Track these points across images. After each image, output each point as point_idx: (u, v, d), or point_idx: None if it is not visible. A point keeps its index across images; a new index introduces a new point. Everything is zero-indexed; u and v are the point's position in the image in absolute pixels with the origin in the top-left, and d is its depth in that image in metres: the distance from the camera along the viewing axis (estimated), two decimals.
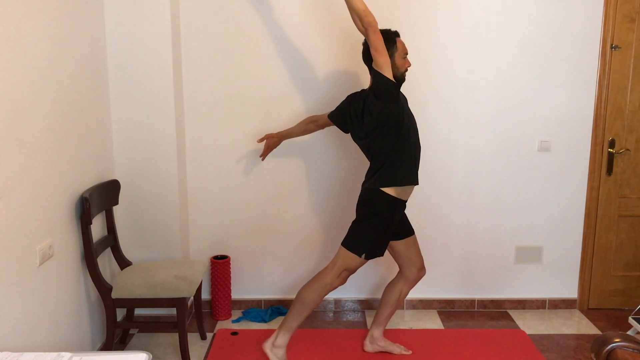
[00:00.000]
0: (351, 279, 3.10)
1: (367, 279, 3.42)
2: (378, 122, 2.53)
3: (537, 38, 3.19)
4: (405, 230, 2.76)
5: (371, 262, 3.37)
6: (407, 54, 2.62)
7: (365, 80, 3.20)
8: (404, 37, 3.12)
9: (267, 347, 2.69)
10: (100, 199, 2.70)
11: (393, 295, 2.82)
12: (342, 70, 3.21)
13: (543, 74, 3.23)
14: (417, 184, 2.63)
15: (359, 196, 2.65)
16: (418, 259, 2.80)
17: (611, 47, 3.19)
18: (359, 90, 2.79)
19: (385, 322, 2.89)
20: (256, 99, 3.23)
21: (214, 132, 3.25)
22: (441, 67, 3.21)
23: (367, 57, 2.59)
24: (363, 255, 2.59)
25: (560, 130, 3.29)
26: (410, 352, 2.89)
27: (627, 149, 3.31)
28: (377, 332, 2.90)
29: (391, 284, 2.85)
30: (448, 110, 3.26)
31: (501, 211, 3.38)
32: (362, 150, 2.73)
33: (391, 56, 2.52)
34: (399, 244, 2.76)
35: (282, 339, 2.67)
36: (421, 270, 2.81)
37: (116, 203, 2.93)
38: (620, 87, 3.25)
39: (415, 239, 2.81)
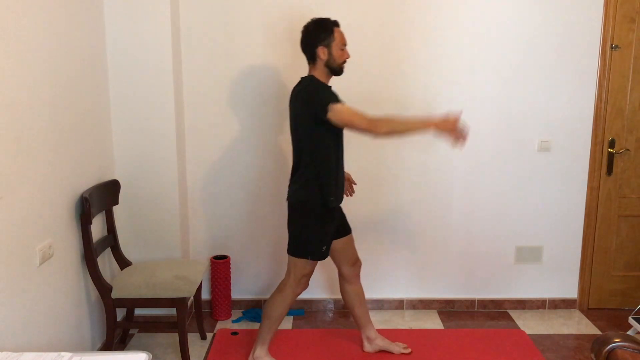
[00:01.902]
0: None
1: (368, 279, 3.42)
2: (298, 123, 2.49)
3: (537, 38, 3.19)
4: (344, 229, 2.74)
5: (372, 261, 3.38)
6: (345, 44, 2.52)
7: (370, 77, 3.20)
8: (403, 39, 3.13)
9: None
10: (100, 199, 2.70)
11: (351, 297, 2.81)
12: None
13: (543, 74, 3.23)
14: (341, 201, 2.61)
15: (289, 201, 2.57)
16: (352, 255, 2.79)
17: (611, 47, 3.19)
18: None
19: (368, 320, 2.87)
20: (256, 98, 3.23)
21: (213, 132, 3.25)
22: (442, 68, 3.21)
23: (305, 45, 2.51)
24: (308, 257, 2.55)
25: (560, 130, 3.29)
26: (409, 350, 2.89)
27: (627, 149, 3.31)
28: (370, 333, 2.88)
29: (342, 291, 2.83)
30: (448, 110, 3.25)
31: (501, 211, 3.38)
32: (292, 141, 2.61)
33: (327, 46, 2.46)
34: (337, 243, 2.71)
35: (260, 350, 2.70)
36: (355, 265, 2.80)
37: (116, 203, 2.93)
38: (620, 87, 3.24)
39: (352, 237, 2.79)
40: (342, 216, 2.73)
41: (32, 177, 2.14)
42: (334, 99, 2.42)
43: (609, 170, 3.33)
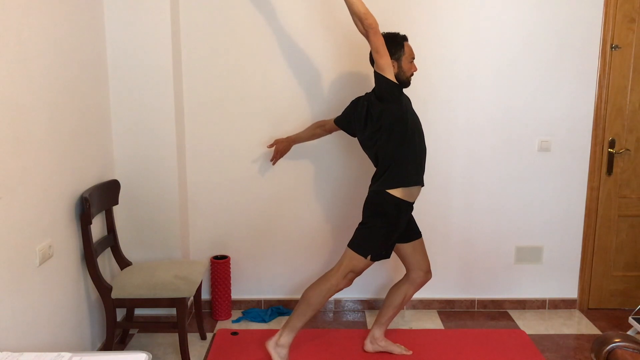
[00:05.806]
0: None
1: (368, 279, 3.42)
2: (381, 124, 2.54)
3: (537, 38, 3.19)
4: (412, 232, 2.76)
5: (375, 263, 3.37)
6: (414, 58, 2.63)
7: (371, 81, 3.20)
8: None
9: (271, 345, 2.69)
10: (100, 199, 2.70)
11: (397, 297, 2.82)
12: (340, 68, 3.20)
13: (543, 74, 3.23)
14: (423, 185, 2.64)
15: (366, 198, 2.65)
16: (425, 262, 2.80)
17: (611, 47, 3.19)
18: (364, 93, 2.78)
19: (387, 323, 2.89)
20: (256, 98, 3.23)
21: (213, 132, 3.25)
22: (441, 67, 3.21)
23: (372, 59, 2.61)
24: (369, 257, 2.59)
25: (560, 130, 3.29)
26: (410, 352, 2.89)
27: (627, 149, 3.31)
28: (378, 332, 2.90)
29: (397, 286, 2.85)
30: (448, 110, 3.26)
31: (501, 211, 3.38)
32: (369, 155, 2.74)
33: (398, 59, 2.55)
34: (406, 247, 2.76)
35: (286, 338, 2.68)
36: (427, 274, 2.81)
37: (116, 203, 2.93)
38: (620, 87, 3.24)
39: (422, 241, 2.81)
40: (412, 220, 2.76)
41: (32, 177, 2.14)
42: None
43: (609, 170, 3.33)
